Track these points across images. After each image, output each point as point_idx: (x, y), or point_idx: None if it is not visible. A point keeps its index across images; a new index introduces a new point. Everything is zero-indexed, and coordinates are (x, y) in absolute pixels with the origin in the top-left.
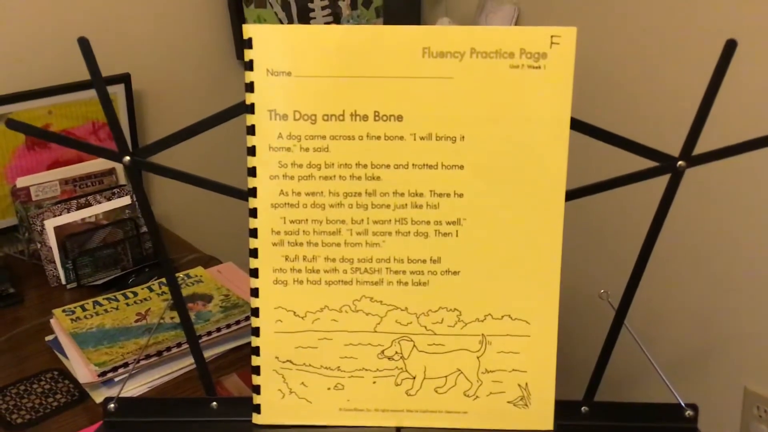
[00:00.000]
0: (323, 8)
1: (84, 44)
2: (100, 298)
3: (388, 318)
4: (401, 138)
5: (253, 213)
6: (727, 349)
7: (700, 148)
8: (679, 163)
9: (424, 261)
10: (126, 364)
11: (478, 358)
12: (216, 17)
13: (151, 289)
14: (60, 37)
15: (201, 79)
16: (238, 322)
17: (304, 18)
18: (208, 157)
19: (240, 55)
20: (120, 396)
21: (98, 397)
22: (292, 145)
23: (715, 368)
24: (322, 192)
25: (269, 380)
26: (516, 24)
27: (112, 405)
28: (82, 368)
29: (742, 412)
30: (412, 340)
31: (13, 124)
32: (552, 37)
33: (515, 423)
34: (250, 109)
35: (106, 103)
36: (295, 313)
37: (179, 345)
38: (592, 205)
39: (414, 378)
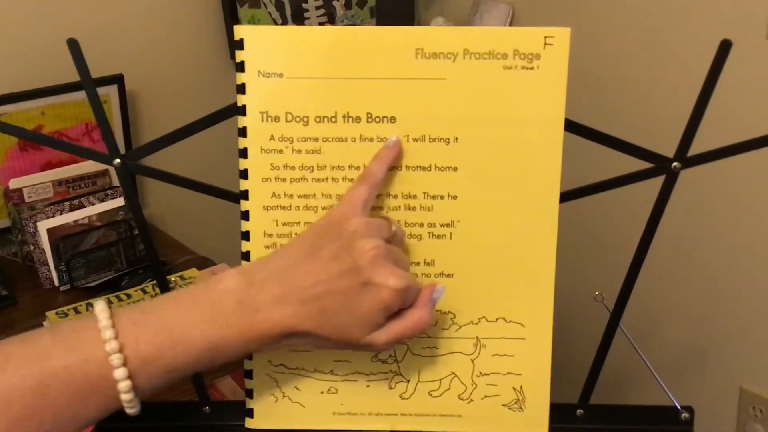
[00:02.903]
0: (317, 8)
1: (73, 46)
2: (93, 301)
3: None
4: None
5: (245, 216)
6: (723, 349)
7: (695, 149)
8: (674, 164)
9: (418, 263)
10: None
11: (472, 361)
12: (210, 17)
13: (144, 291)
14: (53, 37)
15: (195, 79)
16: None
17: (299, 18)
18: (203, 158)
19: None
20: None
21: None
22: (284, 147)
23: (711, 369)
24: (314, 194)
25: (262, 384)
26: (511, 23)
27: None
28: None
29: (738, 412)
30: (405, 343)
31: (1, 127)
32: (546, 37)
33: (510, 426)
34: (242, 110)
35: (96, 105)
36: None
37: None
38: (587, 207)
39: (408, 381)
